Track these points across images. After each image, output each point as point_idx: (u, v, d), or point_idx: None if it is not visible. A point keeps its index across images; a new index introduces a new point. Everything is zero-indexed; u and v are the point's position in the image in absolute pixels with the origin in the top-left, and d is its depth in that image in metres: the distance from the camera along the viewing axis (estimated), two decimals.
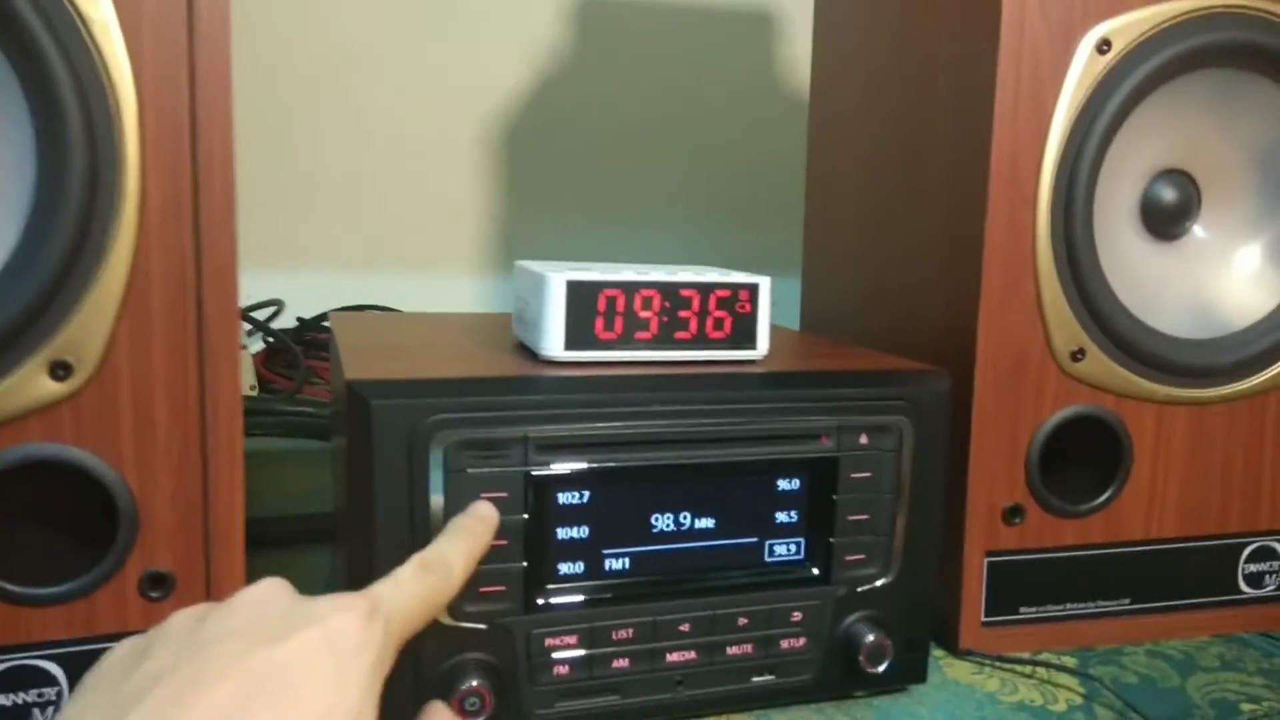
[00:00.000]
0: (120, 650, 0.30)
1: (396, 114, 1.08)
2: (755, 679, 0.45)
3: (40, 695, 0.40)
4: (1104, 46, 0.51)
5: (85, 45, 0.36)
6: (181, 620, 0.30)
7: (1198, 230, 0.58)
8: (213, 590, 0.40)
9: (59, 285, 0.36)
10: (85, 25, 0.36)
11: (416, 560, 0.35)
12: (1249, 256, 0.58)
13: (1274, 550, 0.59)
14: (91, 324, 0.37)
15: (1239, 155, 0.57)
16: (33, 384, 0.37)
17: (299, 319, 1.06)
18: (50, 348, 0.37)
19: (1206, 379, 0.56)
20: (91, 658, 0.39)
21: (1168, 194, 0.57)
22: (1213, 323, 0.57)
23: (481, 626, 0.41)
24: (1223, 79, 0.55)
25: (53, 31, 0.35)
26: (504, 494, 0.40)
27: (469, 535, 0.38)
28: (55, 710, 0.40)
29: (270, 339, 1.03)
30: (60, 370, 0.37)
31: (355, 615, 0.29)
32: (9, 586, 0.38)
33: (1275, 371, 0.57)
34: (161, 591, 0.40)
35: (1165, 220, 0.57)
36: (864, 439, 0.45)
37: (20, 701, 0.39)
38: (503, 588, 0.41)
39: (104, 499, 0.39)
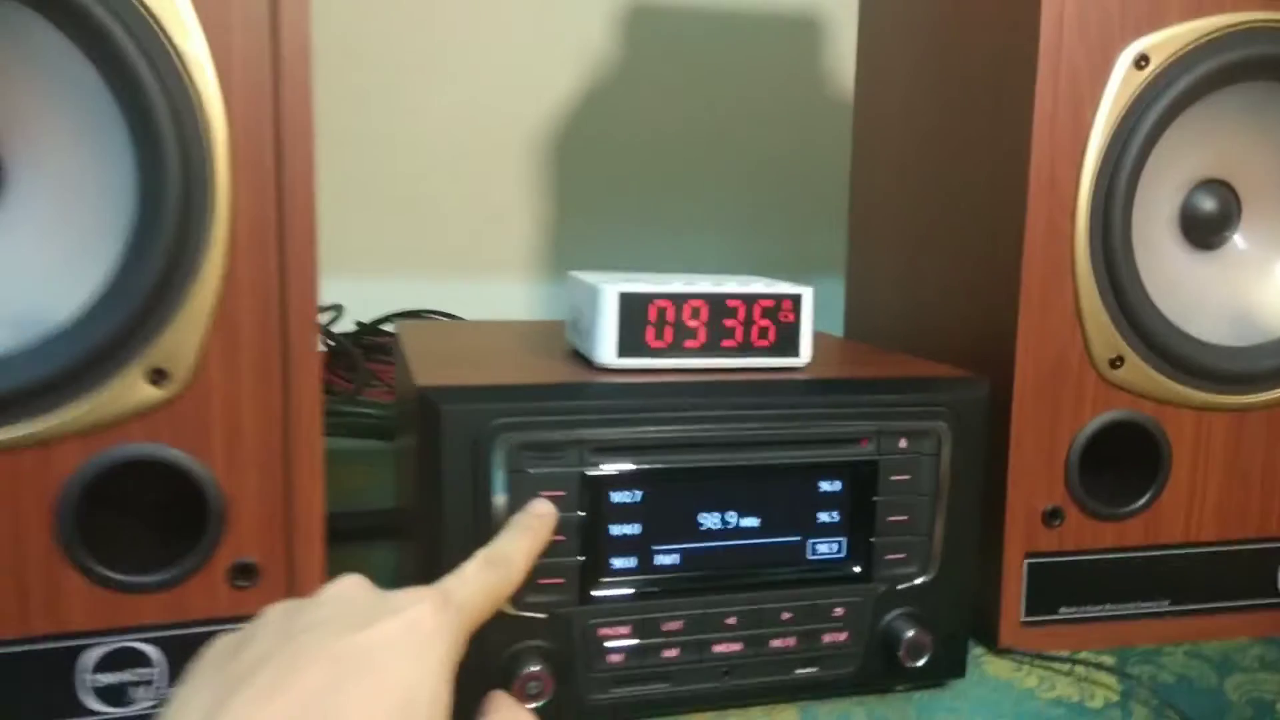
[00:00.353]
0: (221, 641, 0.33)
1: (448, 122, 1.11)
2: (798, 671, 0.47)
3: (138, 675, 0.43)
4: (1142, 61, 0.52)
5: (181, 79, 0.39)
6: (275, 613, 0.33)
7: (1238, 239, 0.59)
8: (295, 579, 0.44)
9: (157, 300, 0.40)
10: (182, 61, 0.39)
11: (481, 556, 0.38)
12: None
13: None
14: (186, 335, 0.40)
15: (1278, 166, 0.58)
16: (133, 390, 0.40)
17: (358, 323, 1.10)
18: (149, 357, 0.40)
19: (1246, 385, 0.57)
20: (185, 641, 0.43)
21: (1207, 204, 0.58)
22: (1252, 330, 0.58)
23: (541, 616, 0.43)
24: (1262, 91, 0.56)
25: (152, 64, 0.38)
26: (562, 493, 0.43)
27: (529, 532, 0.41)
28: (152, 688, 0.43)
29: (331, 343, 1.07)
30: (158, 377, 0.41)
31: (430, 606, 0.32)
32: (112, 575, 0.42)
33: None
34: (248, 581, 0.43)
35: (1205, 230, 0.58)
36: (903, 443, 0.47)
37: (121, 681, 0.43)
38: (561, 580, 0.43)
39: (196, 495, 0.42)
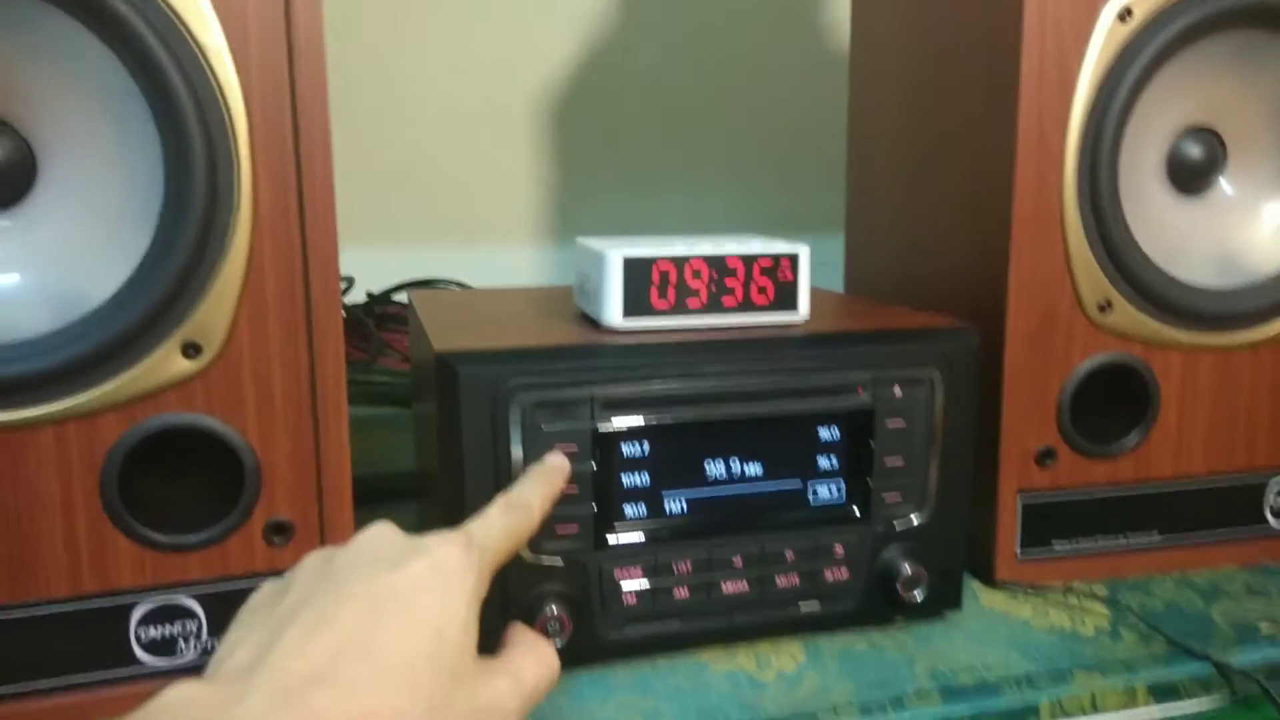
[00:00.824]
0: (265, 588, 0.36)
1: (451, 90, 1.12)
2: (802, 607, 0.50)
3: (184, 628, 0.46)
4: (1126, 15, 0.54)
5: (203, 70, 0.41)
6: (313, 560, 0.36)
7: (1224, 184, 0.61)
8: (326, 535, 0.46)
9: (187, 279, 0.42)
10: (203, 53, 0.41)
11: (501, 501, 0.40)
12: (1274, 208, 0.61)
13: None
14: (216, 309, 0.43)
15: (1264, 112, 0.60)
16: (169, 362, 0.43)
17: (369, 294, 1.12)
18: (182, 331, 0.43)
19: (1232, 325, 0.59)
20: (225, 596, 0.46)
21: (1193, 150, 0.60)
22: (1238, 271, 0.60)
23: (559, 561, 0.46)
24: (1245, 39, 0.57)
25: (176, 60, 0.40)
26: (574, 447, 0.46)
27: (545, 480, 0.43)
28: (196, 640, 0.46)
29: (343, 314, 1.09)
30: (191, 350, 0.43)
31: (456, 546, 0.35)
32: (156, 536, 0.45)
33: None
34: (283, 538, 0.46)
35: (1191, 175, 0.60)
36: (898, 391, 0.50)
37: (168, 634, 0.46)
38: (576, 528, 0.46)
39: (232, 460, 0.45)
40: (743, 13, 1.17)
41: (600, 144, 1.17)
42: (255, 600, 0.36)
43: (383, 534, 0.37)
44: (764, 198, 1.21)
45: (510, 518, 0.39)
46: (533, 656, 0.37)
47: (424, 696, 0.31)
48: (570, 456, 0.46)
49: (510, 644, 0.37)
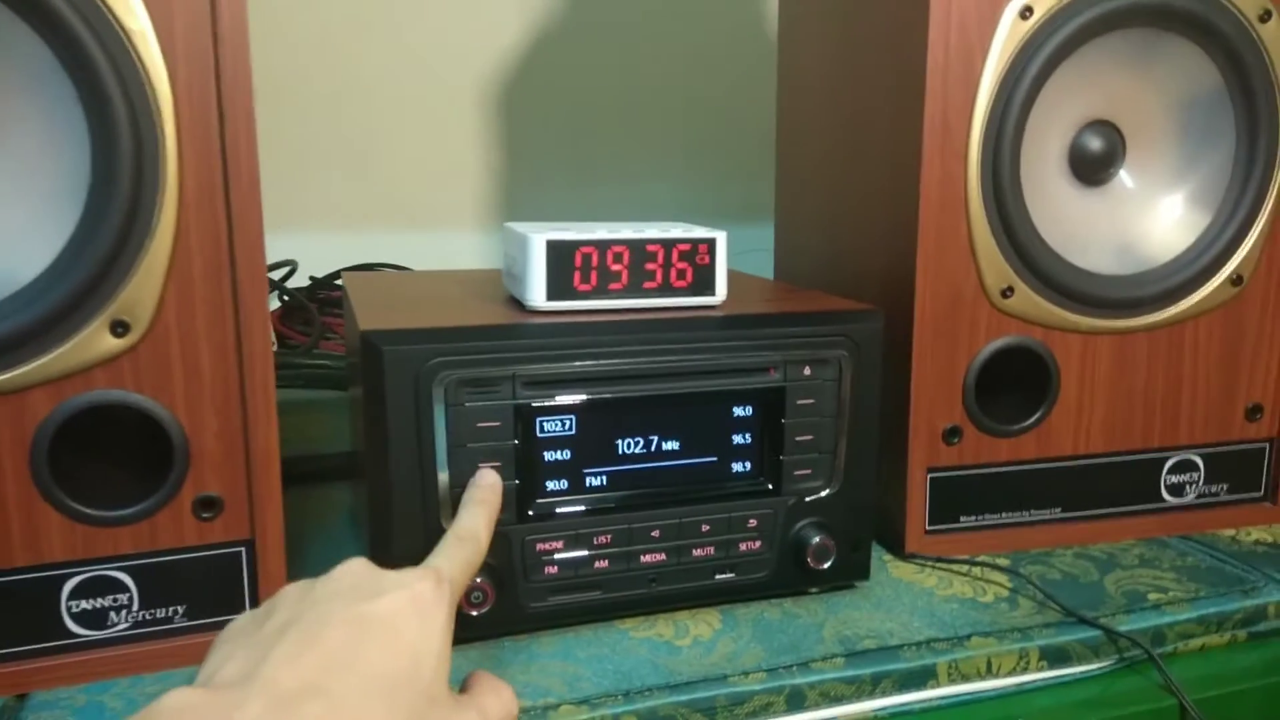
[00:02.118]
0: (244, 615, 0.39)
1: (397, 76, 1.13)
2: (718, 576, 0.53)
3: (115, 600, 0.47)
4: (1026, 12, 0.57)
5: (128, 53, 0.42)
6: (294, 588, 0.39)
7: (1123, 176, 0.64)
8: (255, 510, 0.48)
9: (115, 256, 0.43)
10: (127, 35, 0.42)
11: (451, 535, 0.43)
12: (1171, 199, 0.64)
13: (1194, 463, 0.66)
14: (144, 288, 0.44)
15: (1161, 108, 0.63)
16: (97, 340, 0.44)
17: (311, 278, 1.12)
18: (110, 309, 0.44)
19: (1129, 310, 0.62)
20: (155, 569, 0.47)
21: (1094, 143, 0.63)
22: (1136, 259, 0.63)
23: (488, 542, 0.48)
24: (1142, 37, 0.60)
25: (100, 42, 0.41)
26: (497, 423, 0.48)
27: (485, 505, 0.46)
28: (127, 612, 0.48)
29: (286, 297, 1.10)
30: (119, 328, 0.44)
31: (429, 583, 0.38)
32: (86, 510, 0.46)
33: (1193, 302, 0.63)
34: (211, 513, 0.47)
35: (1092, 167, 0.63)
36: (807, 370, 0.52)
37: (99, 605, 0.47)
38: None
39: (161, 436, 0.46)
40: (688, 2, 1.19)
41: (547, 131, 1.18)
42: (236, 625, 0.38)
43: (359, 567, 0.39)
44: (708, 186, 1.24)
45: (464, 550, 0.43)
46: (495, 697, 0.39)
47: (403, 713, 0.34)
48: (493, 432, 0.48)
49: (475, 685, 0.40)
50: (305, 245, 1.13)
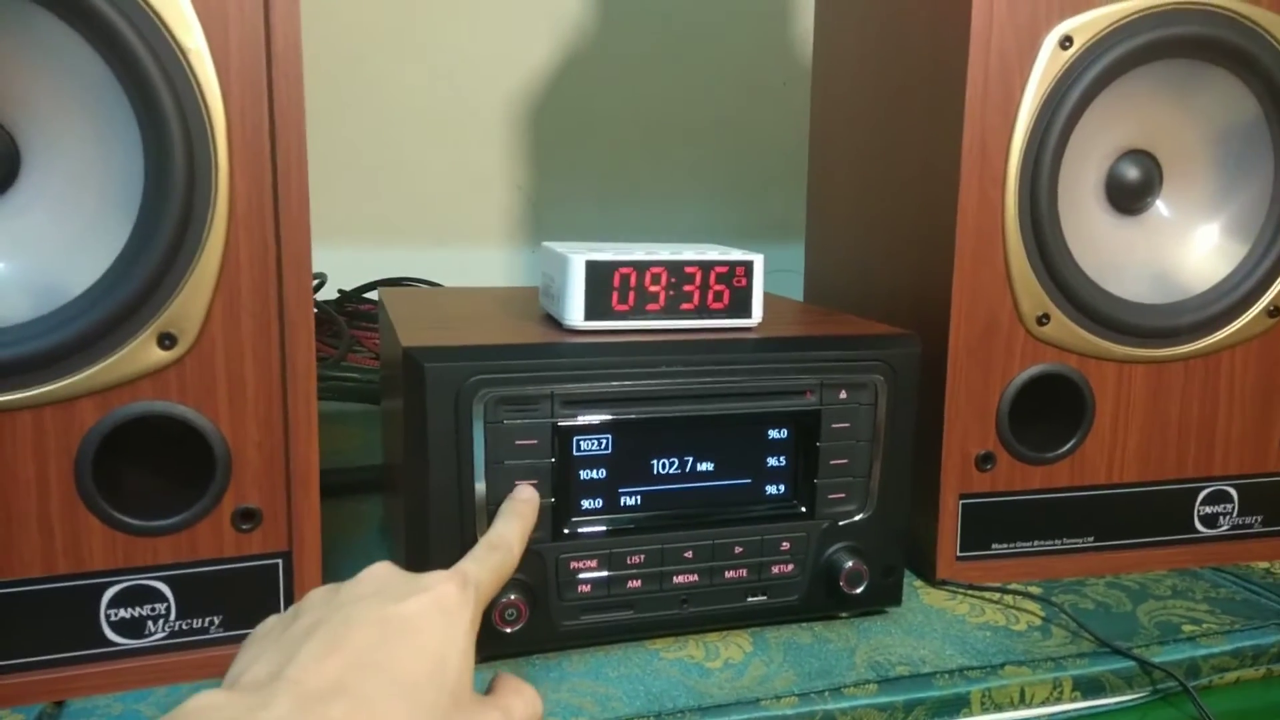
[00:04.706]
0: (271, 619, 0.39)
1: (427, 94, 1.14)
2: (750, 599, 0.53)
3: (153, 609, 0.48)
4: (1066, 42, 0.57)
5: (184, 70, 0.43)
6: (320, 592, 0.39)
7: (1160, 205, 0.64)
8: (293, 523, 0.48)
9: (165, 270, 0.44)
10: (183, 54, 0.43)
11: (484, 542, 0.44)
12: (1208, 228, 0.64)
13: (1228, 494, 0.65)
14: (192, 302, 0.45)
15: (1198, 138, 0.63)
16: (145, 352, 0.45)
17: (340, 291, 1.14)
18: (158, 322, 0.44)
19: (1165, 340, 0.62)
20: (194, 579, 0.48)
21: (1131, 172, 0.63)
22: (1172, 288, 0.63)
23: (520, 553, 0.48)
24: (1181, 68, 0.60)
25: (157, 60, 0.42)
26: (534, 441, 0.48)
27: (519, 517, 0.46)
28: (164, 621, 0.48)
29: (315, 310, 1.10)
30: (167, 340, 0.45)
31: (454, 585, 0.38)
32: (127, 519, 0.46)
33: (1229, 332, 0.63)
34: (251, 524, 0.48)
35: (1128, 196, 0.63)
36: (843, 394, 0.52)
37: (137, 614, 0.48)
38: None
39: (204, 447, 0.46)
40: (715, 23, 1.20)
41: (574, 149, 1.19)
42: (263, 628, 0.38)
43: (385, 570, 0.39)
44: (734, 206, 1.24)
45: (494, 557, 0.43)
46: (520, 699, 0.39)
47: (426, 714, 0.34)
48: (530, 451, 0.48)
49: (500, 686, 0.40)
50: (334, 259, 1.14)
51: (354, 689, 0.33)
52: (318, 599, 0.38)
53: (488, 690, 0.40)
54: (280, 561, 0.49)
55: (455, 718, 0.35)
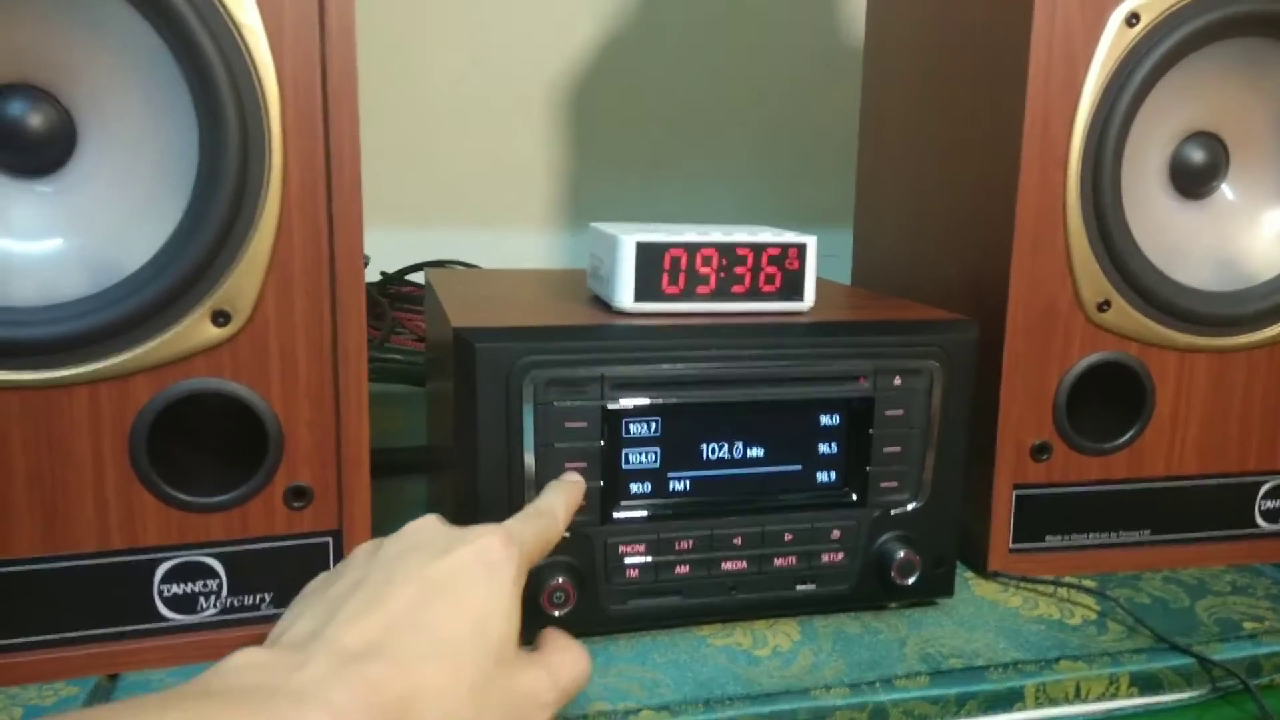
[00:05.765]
0: (318, 577, 0.39)
1: (469, 77, 1.14)
2: (799, 587, 0.52)
3: (205, 585, 0.48)
4: (1133, 19, 0.55)
5: (239, 47, 0.43)
6: (364, 548, 0.39)
7: (1225, 189, 0.62)
8: (344, 501, 0.48)
9: (219, 248, 0.44)
10: (238, 31, 0.43)
11: (530, 508, 0.43)
12: (1275, 214, 0.62)
13: None
14: (245, 280, 0.45)
15: (1267, 120, 0.61)
16: (199, 330, 0.45)
17: (382, 273, 1.14)
18: (212, 299, 0.45)
19: (1228, 328, 0.60)
20: (245, 556, 0.48)
21: (1196, 155, 0.61)
22: (1237, 276, 0.61)
23: (566, 534, 0.48)
24: (1250, 47, 0.58)
25: (213, 36, 0.42)
26: (583, 424, 0.48)
27: (565, 492, 0.46)
28: (216, 598, 0.48)
29: None
30: (220, 318, 0.45)
31: (498, 538, 0.38)
32: (181, 496, 0.47)
33: None
34: (302, 502, 0.48)
35: (1193, 180, 0.61)
36: (897, 380, 0.51)
37: (189, 590, 0.48)
38: (584, 503, 0.48)
39: (256, 425, 0.47)
40: (760, 3, 1.18)
41: (615, 132, 1.18)
42: (310, 586, 0.39)
43: (429, 524, 0.39)
44: (778, 188, 1.23)
45: (540, 522, 0.42)
46: (568, 655, 0.39)
47: (468, 675, 0.34)
48: (579, 434, 0.47)
49: (546, 643, 0.40)
50: (376, 241, 1.13)
51: (392, 649, 0.33)
52: (361, 555, 0.38)
53: (535, 646, 0.40)
54: (330, 540, 0.49)
55: (498, 676, 0.35)
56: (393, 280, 1.13)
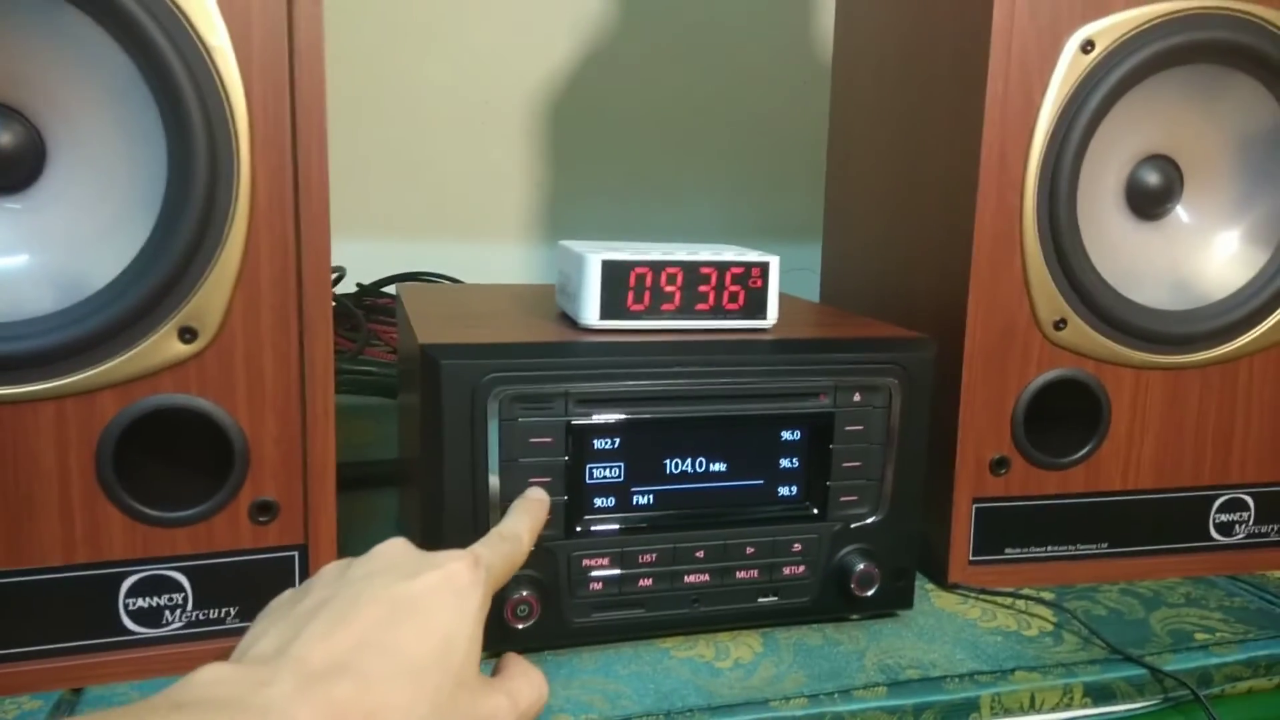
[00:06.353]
0: (284, 594, 0.39)
1: (447, 88, 1.14)
2: (761, 600, 0.53)
3: (170, 599, 0.48)
4: (1088, 46, 0.57)
5: (207, 67, 0.43)
6: (331, 567, 0.39)
7: (1180, 211, 0.64)
8: (310, 516, 0.49)
9: (187, 265, 0.44)
10: (207, 51, 0.43)
11: (495, 532, 0.44)
12: (1228, 235, 0.64)
13: (1244, 502, 0.65)
14: (213, 296, 0.45)
15: (1219, 143, 0.63)
16: (165, 346, 0.45)
17: (358, 284, 1.14)
18: (179, 316, 0.45)
19: (1183, 346, 0.62)
20: (211, 570, 0.48)
21: (1151, 178, 0.63)
22: (1191, 295, 0.62)
23: (530, 548, 0.49)
24: (1203, 73, 0.60)
25: (181, 56, 0.42)
26: (548, 439, 0.48)
27: (530, 514, 0.46)
28: (181, 611, 0.49)
29: (334, 304, 1.11)
30: (187, 334, 0.45)
31: (465, 563, 0.38)
32: (146, 510, 0.47)
33: (1247, 340, 0.62)
34: (268, 517, 0.48)
35: (1148, 202, 0.63)
36: (857, 397, 0.52)
37: (154, 604, 0.48)
38: (548, 516, 0.49)
39: (222, 440, 0.47)
40: (735, 21, 1.19)
41: (593, 146, 1.19)
42: (276, 602, 0.39)
43: (397, 547, 0.40)
44: (753, 203, 1.24)
45: (505, 546, 0.43)
46: (527, 681, 0.39)
47: (430, 697, 0.34)
48: (544, 449, 0.48)
49: (507, 668, 0.40)
50: (352, 252, 1.14)
51: (358, 668, 0.33)
52: (330, 574, 0.38)
53: (494, 672, 0.40)
54: (296, 554, 0.49)
55: (460, 699, 0.35)
56: (368, 292, 1.13)
